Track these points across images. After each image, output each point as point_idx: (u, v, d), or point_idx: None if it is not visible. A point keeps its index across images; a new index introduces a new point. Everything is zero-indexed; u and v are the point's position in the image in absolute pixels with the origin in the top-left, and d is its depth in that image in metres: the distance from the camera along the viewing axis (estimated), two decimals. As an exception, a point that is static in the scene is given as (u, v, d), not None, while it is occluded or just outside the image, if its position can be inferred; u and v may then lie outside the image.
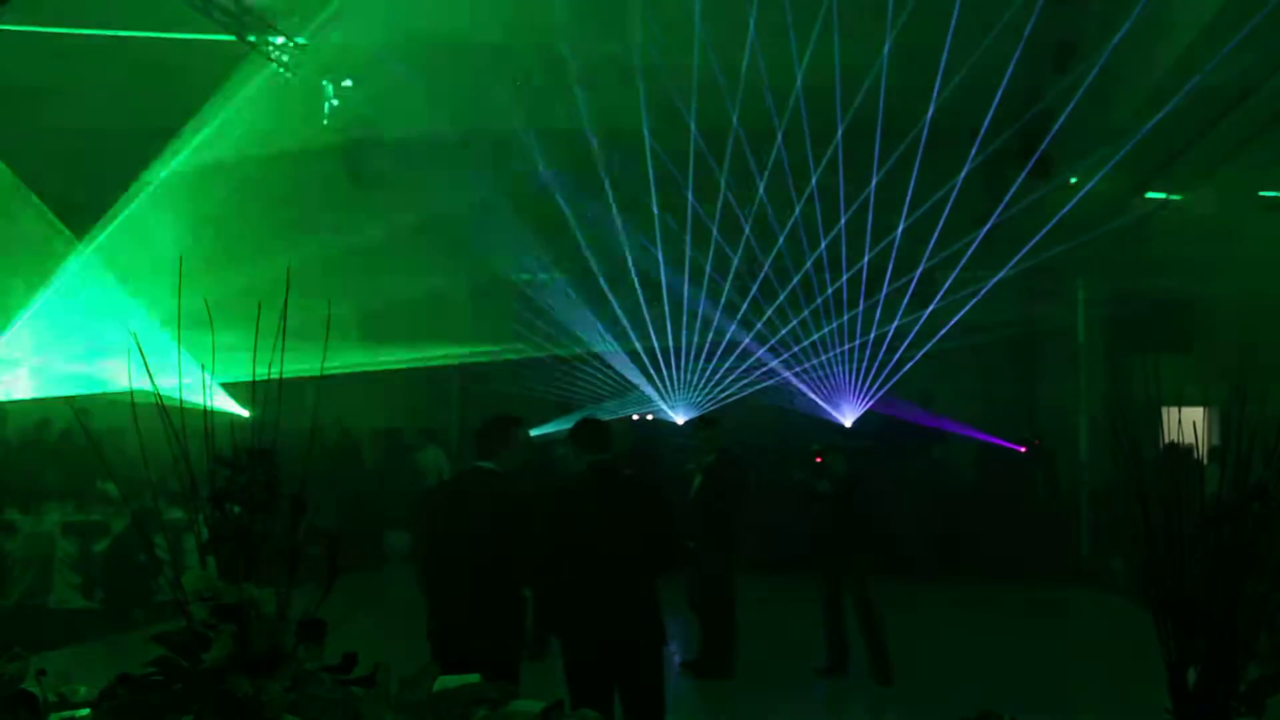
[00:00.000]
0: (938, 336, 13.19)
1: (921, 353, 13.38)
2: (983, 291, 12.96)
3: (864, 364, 13.78)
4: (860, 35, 10.59)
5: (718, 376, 14.12)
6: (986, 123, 11.51)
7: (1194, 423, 2.30)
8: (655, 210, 12.86)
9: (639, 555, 4.86)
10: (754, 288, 13.70)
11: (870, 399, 13.80)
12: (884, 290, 13.28)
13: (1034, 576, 12.41)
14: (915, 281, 13.16)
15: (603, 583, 4.80)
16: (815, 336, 13.77)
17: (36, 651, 2.08)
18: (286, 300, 2.00)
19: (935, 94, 10.96)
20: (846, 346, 13.75)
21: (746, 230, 13.17)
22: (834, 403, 14.03)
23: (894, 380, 13.65)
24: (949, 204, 12.45)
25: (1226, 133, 10.80)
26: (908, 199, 12.39)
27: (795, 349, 13.86)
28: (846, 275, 13.31)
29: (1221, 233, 11.86)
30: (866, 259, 13.04)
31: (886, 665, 8.10)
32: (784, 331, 13.87)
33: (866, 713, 8.21)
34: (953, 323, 13.04)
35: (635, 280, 13.65)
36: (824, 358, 13.85)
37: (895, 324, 13.41)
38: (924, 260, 12.89)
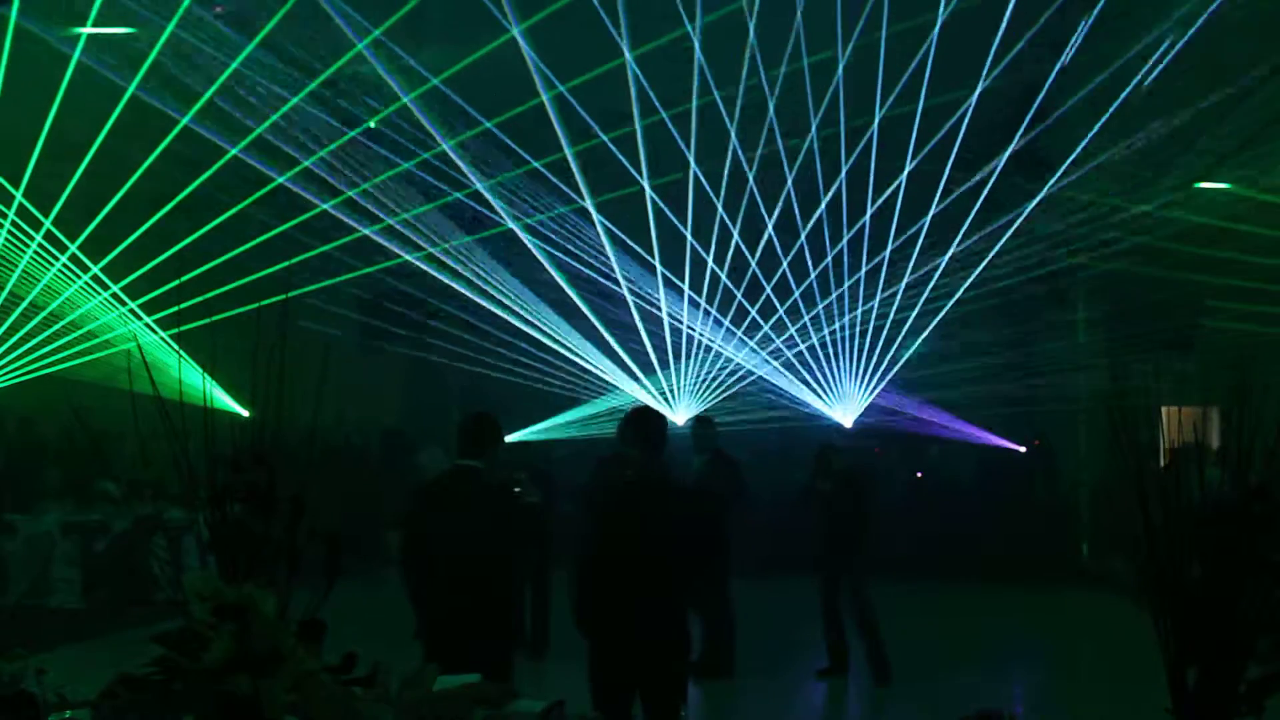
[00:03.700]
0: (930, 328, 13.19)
1: (915, 353, 13.37)
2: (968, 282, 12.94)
3: (864, 364, 13.76)
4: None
5: (718, 375, 14.08)
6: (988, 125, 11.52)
7: (1194, 423, 2.29)
8: (650, 193, 12.74)
9: (682, 564, 4.72)
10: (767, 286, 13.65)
11: (869, 397, 13.78)
12: (882, 290, 13.25)
13: (1034, 576, 12.38)
14: (914, 282, 13.14)
15: (645, 588, 4.62)
16: (814, 338, 13.74)
17: (36, 652, 2.08)
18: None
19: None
20: (845, 345, 13.72)
21: (770, 230, 13.11)
22: (834, 403, 14.00)
23: (891, 376, 13.63)
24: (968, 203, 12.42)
25: (1227, 131, 10.79)
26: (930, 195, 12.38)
27: (797, 349, 13.83)
28: (848, 274, 13.30)
29: (1222, 232, 11.84)
30: (864, 262, 13.04)
31: (884, 664, 8.10)
32: (789, 333, 13.84)
33: (866, 712, 8.20)
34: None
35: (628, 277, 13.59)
36: (824, 358, 13.82)
37: (894, 323, 13.40)
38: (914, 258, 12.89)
